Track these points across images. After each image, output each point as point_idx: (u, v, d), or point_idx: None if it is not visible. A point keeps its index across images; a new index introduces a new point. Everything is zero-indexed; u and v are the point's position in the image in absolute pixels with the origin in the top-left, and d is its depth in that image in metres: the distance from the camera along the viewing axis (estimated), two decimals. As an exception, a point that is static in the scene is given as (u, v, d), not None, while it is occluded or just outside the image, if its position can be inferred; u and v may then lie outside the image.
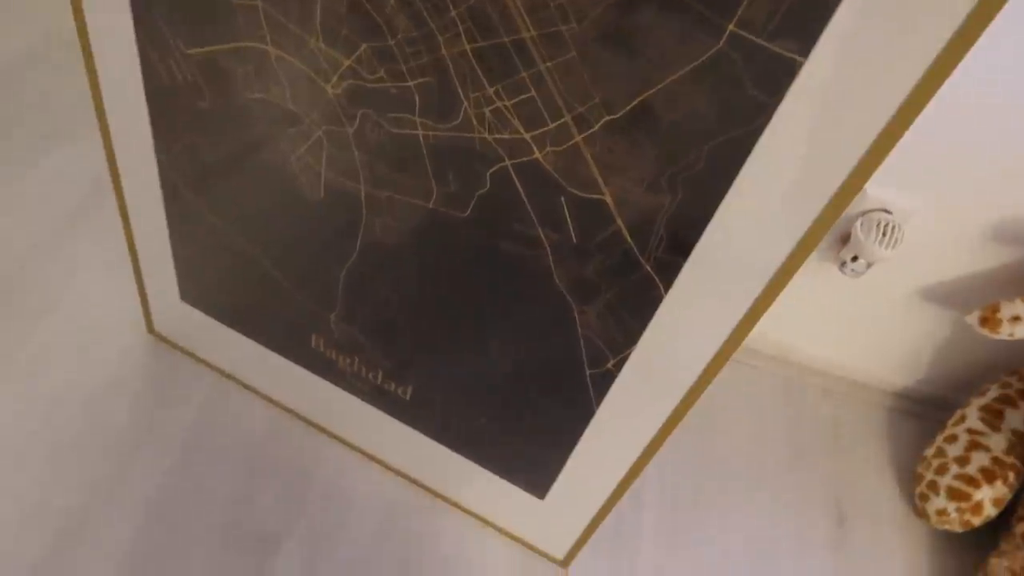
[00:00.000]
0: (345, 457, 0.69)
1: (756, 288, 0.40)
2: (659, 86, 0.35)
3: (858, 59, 0.31)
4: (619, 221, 0.41)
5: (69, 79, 0.93)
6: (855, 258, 0.70)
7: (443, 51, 0.39)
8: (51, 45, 0.96)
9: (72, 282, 0.76)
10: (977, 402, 0.75)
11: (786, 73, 0.33)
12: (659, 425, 0.50)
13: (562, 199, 0.42)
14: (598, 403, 0.51)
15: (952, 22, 0.29)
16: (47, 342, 0.72)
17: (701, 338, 0.44)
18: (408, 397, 0.60)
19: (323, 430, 0.70)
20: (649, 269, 0.42)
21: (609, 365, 0.48)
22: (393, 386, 0.60)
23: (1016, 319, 0.66)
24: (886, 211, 0.67)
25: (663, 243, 0.41)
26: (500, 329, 0.51)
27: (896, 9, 0.30)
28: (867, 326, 0.79)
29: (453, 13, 0.38)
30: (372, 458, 0.69)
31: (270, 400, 0.71)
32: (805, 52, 0.32)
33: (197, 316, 0.67)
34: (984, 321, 0.67)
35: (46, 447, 0.66)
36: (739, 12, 0.32)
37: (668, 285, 0.42)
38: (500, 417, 0.57)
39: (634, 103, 0.36)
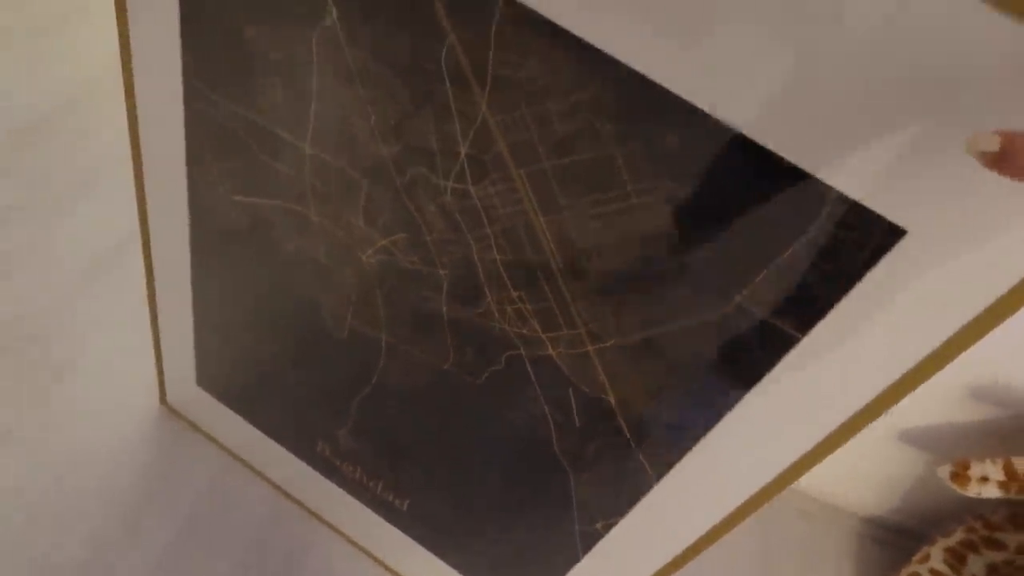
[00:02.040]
0: (339, 546, 0.72)
1: (740, 497, 0.43)
2: (669, 327, 0.39)
3: (851, 349, 0.35)
4: (620, 419, 0.44)
5: (105, 131, 0.96)
6: (840, 401, 0.73)
7: (475, 256, 0.42)
8: (86, 97, 0.99)
9: (91, 342, 0.79)
10: (943, 543, 0.78)
11: (784, 344, 0.36)
12: (640, 578, 0.53)
13: (569, 391, 0.45)
14: (583, 553, 0.54)
15: (937, 337, 0.33)
16: (62, 402, 0.75)
17: (683, 523, 0.47)
18: (405, 508, 0.64)
19: (320, 519, 0.73)
20: (643, 460, 0.46)
21: (598, 526, 0.52)
22: (391, 497, 0.64)
23: (984, 479, 0.69)
24: (873, 363, 0.71)
25: (659, 443, 0.44)
26: (498, 475, 0.55)
27: (887, 315, 0.33)
28: (846, 456, 0.82)
29: (488, 229, 0.41)
30: (364, 551, 0.72)
31: (273, 484, 0.74)
32: (804, 331, 0.35)
33: (211, 400, 0.71)
34: (954, 476, 0.71)
35: (55, 505, 0.69)
36: (748, 288, 0.35)
37: (660, 476, 0.46)
38: (490, 542, 0.61)
39: (645, 334, 0.40)
